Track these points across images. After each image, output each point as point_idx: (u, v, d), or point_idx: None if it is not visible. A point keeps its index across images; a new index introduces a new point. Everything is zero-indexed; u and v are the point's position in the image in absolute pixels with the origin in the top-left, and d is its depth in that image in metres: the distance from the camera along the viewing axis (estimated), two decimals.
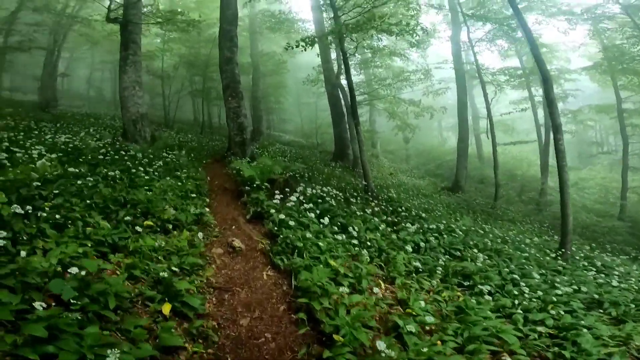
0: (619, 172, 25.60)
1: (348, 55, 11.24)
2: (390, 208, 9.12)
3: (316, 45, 21.11)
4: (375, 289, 3.90)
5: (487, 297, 4.42)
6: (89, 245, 3.35)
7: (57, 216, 3.55)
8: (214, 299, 3.49)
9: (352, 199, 8.88)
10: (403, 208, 9.22)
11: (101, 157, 6.62)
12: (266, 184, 6.79)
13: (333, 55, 19.27)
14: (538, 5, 16.02)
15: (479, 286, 4.74)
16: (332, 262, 4.07)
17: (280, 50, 21.53)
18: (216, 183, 7.80)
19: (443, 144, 32.94)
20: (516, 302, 4.50)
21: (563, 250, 7.87)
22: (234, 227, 5.45)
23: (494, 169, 14.52)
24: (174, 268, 3.44)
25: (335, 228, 6.00)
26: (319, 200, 7.17)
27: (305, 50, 9.45)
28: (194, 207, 5.34)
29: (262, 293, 3.74)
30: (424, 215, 9.16)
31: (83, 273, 2.60)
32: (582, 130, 25.65)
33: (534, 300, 4.62)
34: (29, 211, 3.38)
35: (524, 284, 5.12)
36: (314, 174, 10.88)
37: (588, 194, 20.95)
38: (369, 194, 9.89)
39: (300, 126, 31.30)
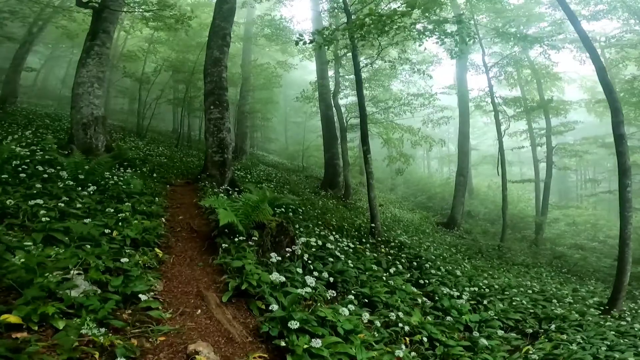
0: (605, 209, 24.90)
1: (353, 69, 9.43)
2: (407, 257, 7.09)
3: (312, 61, 19.58)
4: None
5: None
6: None
7: None
8: None
9: (359, 246, 6.76)
10: (423, 258, 7.16)
11: (17, 171, 4.29)
12: (253, 230, 4.58)
13: (330, 72, 17.53)
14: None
15: None
16: None
17: (274, 62, 19.62)
18: (180, 218, 5.48)
19: (431, 175, 31.52)
20: None
21: (611, 307, 6.51)
22: (199, 311, 3.16)
23: (502, 208, 12.85)
24: None
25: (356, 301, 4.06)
26: (330, 259, 5.07)
27: (321, 46, 7.53)
28: (134, 271, 3.07)
29: None
30: (450, 268, 7.15)
31: None
32: (577, 164, 24.62)
33: None
34: None
35: None
36: (307, 209, 8.70)
37: (578, 231, 19.55)
38: (376, 237, 7.81)
39: (285, 147, 29.19)
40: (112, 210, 4.28)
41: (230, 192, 7.39)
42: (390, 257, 7.09)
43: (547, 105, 14.09)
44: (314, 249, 5.26)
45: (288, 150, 27.27)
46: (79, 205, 4.18)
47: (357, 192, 17.62)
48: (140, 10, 11.04)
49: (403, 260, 7.00)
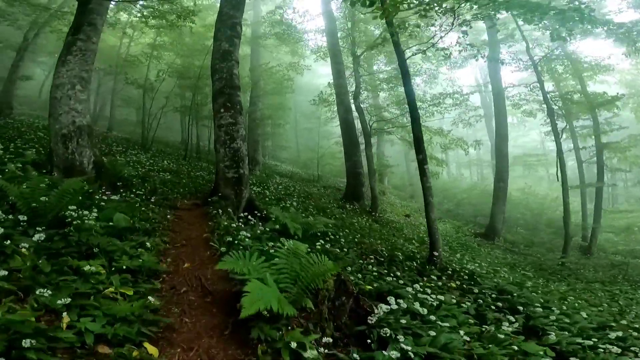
0: None
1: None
2: (491, 294, 5.22)
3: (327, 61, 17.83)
4: None
5: None
6: None
7: None
8: None
9: (427, 283, 4.92)
10: (514, 295, 5.24)
11: None
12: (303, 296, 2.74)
13: (346, 72, 15.75)
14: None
15: None
16: None
17: (284, 66, 17.91)
18: (186, 268, 3.64)
19: (454, 179, 29.27)
20: None
21: None
22: None
23: (564, 219, 10.87)
24: None
25: None
26: (417, 324, 3.23)
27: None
28: None
29: None
30: (545, 301, 5.22)
31: None
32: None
33: None
34: None
35: None
36: (344, 233, 6.86)
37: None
38: (438, 267, 5.94)
39: (297, 155, 27.39)
40: (68, 274, 2.49)
41: (251, 220, 5.57)
42: (470, 297, 5.22)
43: (615, 101, 12.08)
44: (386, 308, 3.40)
45: (301, 158, 25.48)
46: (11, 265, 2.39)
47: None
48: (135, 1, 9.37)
49: (488, 299, 5.14)
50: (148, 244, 3.50)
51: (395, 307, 3.40)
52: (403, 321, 3.23)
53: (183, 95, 17.94)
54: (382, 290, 4.44)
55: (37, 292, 2.21)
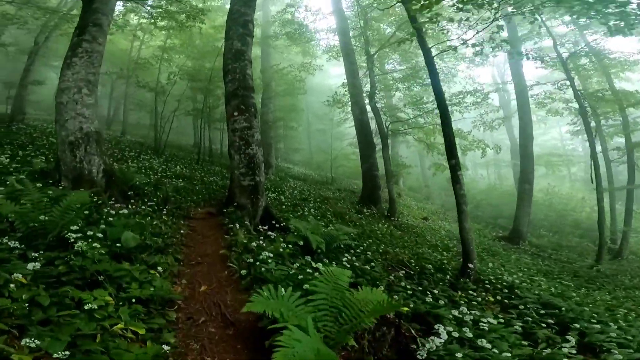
0: None
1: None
2: (536, 309, 4.71)
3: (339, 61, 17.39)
4: None
5: None
6: None
7: None
8: None
9: (464, 298, 4.46)
10: (563, 310, 4.71)
11: None
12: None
13: (360, 72, 15.27)
14: None
15: None
16: None
17: (295, 67, 17.52)
18: (204, 292, 3.24)
19: (472, 180, 28.38)
20: None
21: None
22: None
23: (598, 222, 10.17)
24: None
25: None
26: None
27: None
28: None
29: None
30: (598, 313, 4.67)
31: None
32: None
33: None
34: None
35: None
36: (368, 243, 6.40)
37: None
38: (472, 279, 5.44)
39: (310, 157, 26.97)
40: (70, 307, 2.12)
41: (270, 234, 5.16)
42: (513, 312, 4.71)
43: None
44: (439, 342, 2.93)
45: (313, 160, 25.06)
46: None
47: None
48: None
49: (534, 314, 4.63)
50: (160, 268, 3.09)
51: (445, 336, 2.94)
52: (459, 355, 2.76)
53: (195, 98, 17.73)
54: (419, 311, 3.98)
55: (31, 340, 1.82)
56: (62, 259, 2.63)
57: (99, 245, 2.80)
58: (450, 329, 3.33)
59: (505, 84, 18.32)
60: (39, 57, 15.65)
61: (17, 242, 2.62)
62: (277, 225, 5.76)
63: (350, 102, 14.77)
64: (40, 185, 4.30)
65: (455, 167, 5.31)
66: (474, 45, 5.68)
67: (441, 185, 24.23)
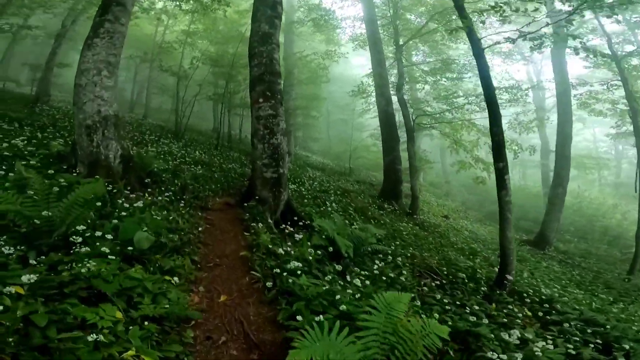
0: None
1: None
2: (579, 327, 4.23)
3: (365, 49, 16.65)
4: None
5: None
6: None
7: None
8: None
9: (500, 313, 3.99)
10: (607, 328, 4.18)
11: None
12: None
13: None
14: None
15: None
16: None
17: (318, 55, 16.87)
18: (223, 303, 2.85)
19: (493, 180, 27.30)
20: None
21: None
22: None
23: (637, 233, 9.33)
24: None
25: None
26: None
27: None
28: None
29: None
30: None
31: None
32: None
33: None
34: None
35: None
36: (395, 245, 5.94)
37: None
38: (506, 289, 4.94)
39: (328, 146, 26.42)
40: (72, 325, 1.76)
41: (291, 231, 4.76)
42: (554, 329, 4.22)
43: None
44: None
45: (332, 150, 24.52)
46: None
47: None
48: None
49: (576, 332, 4.14)
50: (176, 278, 2.71)
51: None
52: None
53: (216, 83, 17.40)
54: (458, 329, 3.54)
55: None
56: (66, 265, 2.27)
57: (107, 250, 2.43)
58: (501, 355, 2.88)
59: (541, 82, 17.16)
60: (66, 40, 15.55)
61: (12, 248, 2.27)
62: (299, 223, 5.35)
63: (375, 93, 14.11)
64: (53, 171, 4.00)
65: (502, 171, 4.73)
66: (533, 38, 5.01)
67: (463, 183, 23.35)
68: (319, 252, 3.90)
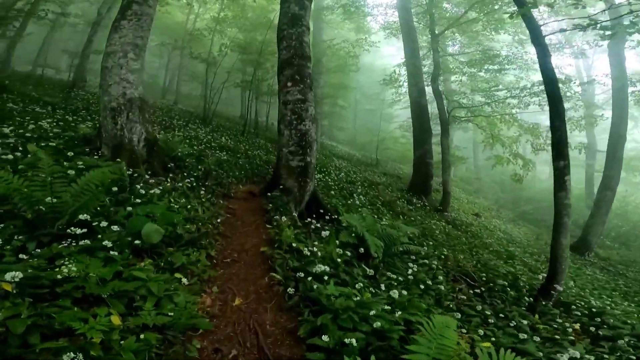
0: None
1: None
2: (629, 349, 3.66)
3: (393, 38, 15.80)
4: None
5: None
6: None
7: None
8: None
9: (546, 326, 3.47)
10: None
11: None
12: None
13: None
14: None
15: None
16: None
17: (349, 41, 16.20)
18: (238, 306, 2.53)
19: (533, 176, 25.61)
20: None
21: None
22: None
23: None
24: None
25: None
26: None
27: None
28: None
29: None
30: None
31: None
32: None
33: None
34: None
35: None
36: (429, 245, 5.44)
37: None
38: (552, 300, 4.36)
39: (354, 136, 25.72)
40: (60, 332, 1.47)
41: (317, 226, 4.37)
42: (604, 345, 3.66)
43: None
44: None
45: (358, 140, 23.86)
46: None
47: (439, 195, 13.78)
48: None
49: (629, 349, 3.59)
50: (185, 279, 2.39)
51: None
52: None
53: (244, 70, 17.20)
54: (500, 345, 3.07)
55: None
56: (64, 259, 1.99)
57: (110, 244, 2.14)
58: None
59: (592, 78, 15.65)
60: (101, 27, 15.79)
61: (15, 236, 2.01)
62: (325, 216, 4.97)
63: (407, 83, 13.36)
64: (72, 153, 3.80)
65: (563, 171, 4.08)
66: (603, 27, 4.26)
67: (495, 179, 22.13)
68: (348, 252, 3.50)
